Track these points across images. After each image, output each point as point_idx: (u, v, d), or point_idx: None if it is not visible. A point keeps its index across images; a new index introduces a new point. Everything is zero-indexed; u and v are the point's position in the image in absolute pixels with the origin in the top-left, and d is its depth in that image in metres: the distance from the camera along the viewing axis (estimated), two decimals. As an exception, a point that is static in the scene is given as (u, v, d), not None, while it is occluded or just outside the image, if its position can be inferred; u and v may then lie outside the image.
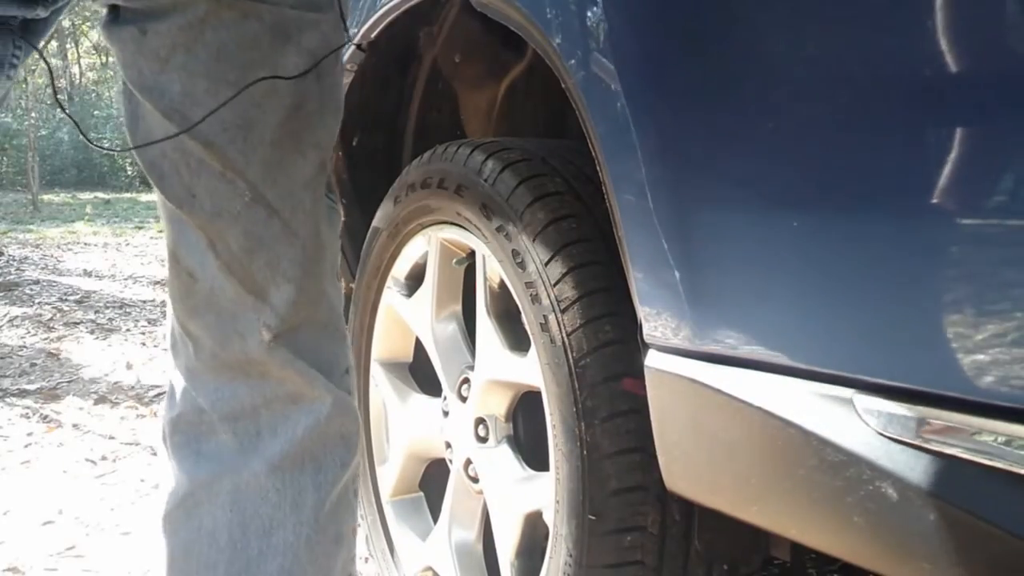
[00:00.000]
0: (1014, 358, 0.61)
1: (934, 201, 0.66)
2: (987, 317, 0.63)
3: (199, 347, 0.85)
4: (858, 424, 0.71)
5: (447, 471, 1.33)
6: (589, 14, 0.93)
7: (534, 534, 1.17)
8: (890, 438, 0.69)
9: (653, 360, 0.90)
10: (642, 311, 0.91)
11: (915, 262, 0.68)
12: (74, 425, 2.58)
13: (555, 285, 1.02)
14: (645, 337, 0.91)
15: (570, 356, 1.01)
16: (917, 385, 0.68)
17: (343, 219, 0.92)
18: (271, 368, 0.83)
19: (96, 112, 14.62)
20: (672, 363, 0.88)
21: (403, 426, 1.44)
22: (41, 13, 0.78)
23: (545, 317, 1.03)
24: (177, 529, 0.85)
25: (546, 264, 1.03)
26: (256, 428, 0.84)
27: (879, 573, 0.76)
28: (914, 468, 0.68)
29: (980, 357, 0.63)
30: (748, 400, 0.79)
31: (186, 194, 0.80)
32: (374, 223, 1.41)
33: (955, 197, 0.65)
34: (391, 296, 1.44)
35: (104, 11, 0.80)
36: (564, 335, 1.01)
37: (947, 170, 0.65)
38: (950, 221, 0.65)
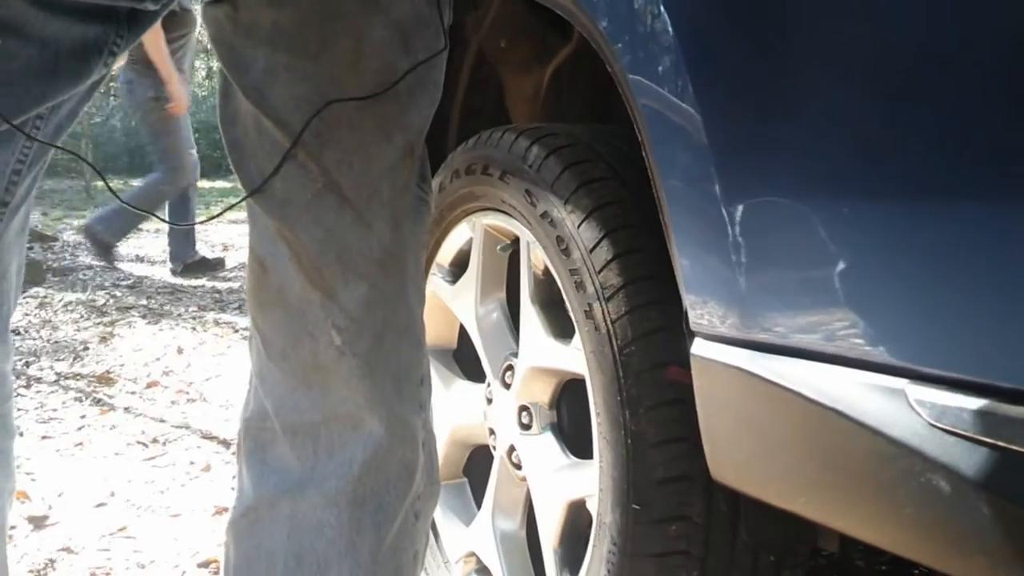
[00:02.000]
0: (1076, 348, 0.59)
1: (989, 190, 0.64)
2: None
3: (268, 344, 0.81)
4: (910, 415, 0.69)
5: (491, 458, 1.33)
6: (636, -3, 0.92)
7: (577, 522, 1.16)
8: (943, 429, 0.67)
9: (699, 348, 0.89)
10: (688, 299, 0.90)
11: (969, 250, 0.66)
12: (126, 408, 2.63)
13: (600, 272, 1.01)
14: (691, 325, 0.90)
15: (615, 344, 1.00)
16: (971, 376, 0.66)
17: (431, 213, 0.86)
18: (335, 380, 0.79)
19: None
20: (719, 351, 0.87)
21: (447, 412, 1.44)
22: (150, 6, 0.78)
23: (590, 304, 1.03)
24: (240, 539, 0.83)
25: (591, 251, 1.02)
26: (314, 446, 0.80)
27: (930, 567, 0.74)
28: (968, 460, 0.66)
29: (1040, 347, 0.61)
30: (797, 389, 0.78)
31: (260, 178, 0.77)
32: (418, 209, 1.42)
33: (1010, 187, 0.63)
34: (435, 283, 1.44)
35: None
36: (609, 322, 1.01)
37: (1004, 163, 0.63)
38: (1006, 210, 0.63)
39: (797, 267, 0.80)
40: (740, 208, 0.83)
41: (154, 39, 4.11)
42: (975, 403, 0.66)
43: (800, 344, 0.79)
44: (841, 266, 0.75)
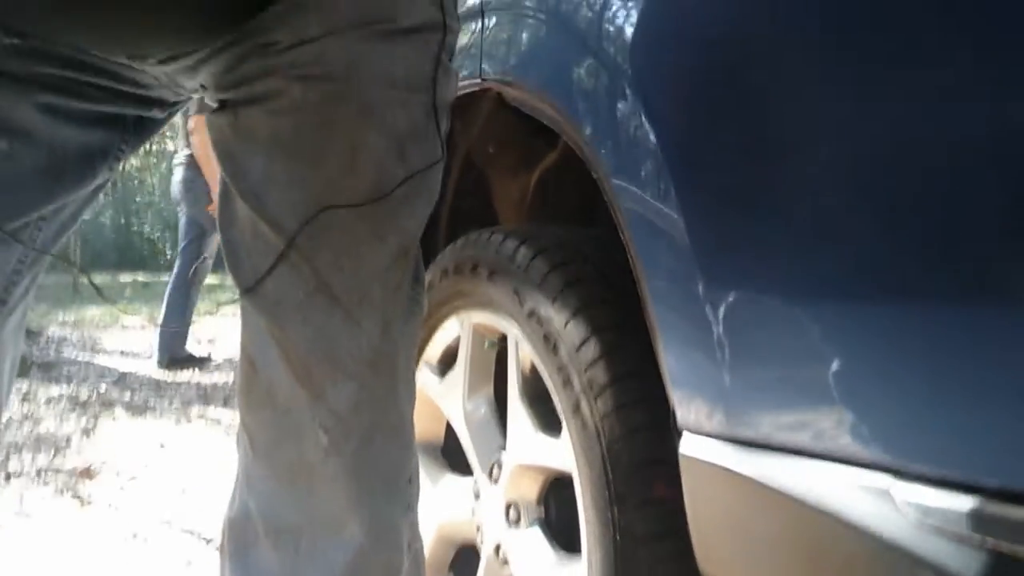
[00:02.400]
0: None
1: (973, 293, 0.66)
2: None
3: (254, 443, 0.81)
4: (897, 514, 0.70)
5: (478, 555, 1.32)
6: (619, 106, 0.96)
7: (566, 621, 1.15)
8: (930, 528, 0.68)
9: (686, 446, 0.90)
10: (675, 396, 0.91)
11: (953, 352, 0.67)
12: (107, 503, 2.59)
13: (587, 370, 1.03)
14: (678, 423, 0.91)
15: (602, 440, 1.01)
16: (958, 475, 0.67)
17: (424, 314, 0.86)
18: (320, 480, 0.78)
19: (138, 199, 14.99)
20: (705, 449, 0.88)
21: (433, 509, 1.43)
22: (157, 114, 0.81)
23: (577, 401, 1.04)
24: None
25: (578, 349, 1.04)
26: (295, 549, 0.79)
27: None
28: (955, 560, 0.66)
29: None
30: (783, 489, 0.79)
31: (254, 278, 0.78)
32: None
33: (994, 292, 0.65)
34: (423, 378, 1.45)
35: (214, 105, 0.80)
36: (596, 419, 1.02)
37: (986, 269, 0.65)
38: (991, 313, 0.66)
39: (782, 365, 0.81)
40: (724, 307, 0.85)
41: (204, 141, 4.21)
42: (961, 502, 0.66)
43: (786, 442, 0.80)
44: (826, 364, 0.76)
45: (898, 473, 0.70)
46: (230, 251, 0.82)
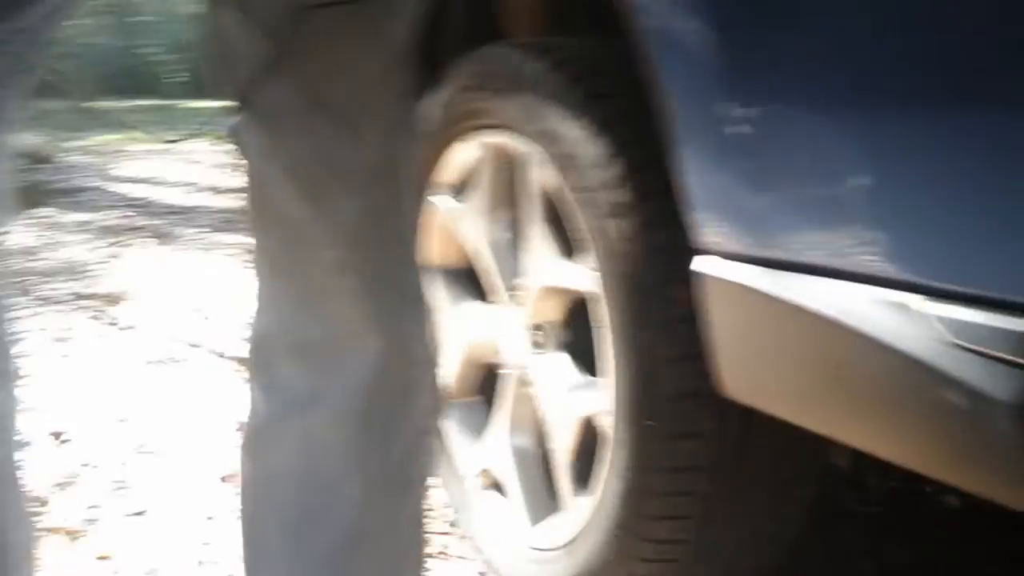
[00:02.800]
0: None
1: (1003, 95, 0.62)
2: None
3: (269, 262, 0.81)
4: (926, 331, 0.69)
5: (503, 376, 1.34)
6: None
7: (589, 439, 1.18)
8: (959, 345, 0.67)
9: (706, 266, 0.88)
10: (695, 215, 0.88)
11: (986, 163, 0.64)
12: (139, 328, 2.66)
13: (609, 189, 1.00)
14: (699, 242, 0.89)
15: (625, 261, 0.99)
16: (985, 291, 0.66)
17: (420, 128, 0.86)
18: (332, 297, 0.79)
19: (139, 17, 14.56)
20: (726, 269, 0.86)
21: (458, 332, 1.44)
22: None
23: (599, 222, 1.01)
24: (254, 459, 0.85)
25: (600, 167, 1.00)
26: (318, 366, 0.80)
27: (942, 482, 0.74)
28: (984, 376, 0.66)
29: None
30: (808, 306, 0.77)
31: (252, 88, 0.75)
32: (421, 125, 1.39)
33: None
34: (443, 202, 1.42)
35: None
36: (618, 240, 1.00)
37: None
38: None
39: (807, 181, 0.78)
40: (747, 123, 0.81)
41: None
42: (992, 319, 0.65)
43: (812, 260, 0.78)
44: (854, 179, 0.74)
45: (923, 289, 0.69)
46: (220, 64, 0.78)
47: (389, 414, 0.81)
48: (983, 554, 1.40)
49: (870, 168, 0.73)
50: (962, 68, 0.65)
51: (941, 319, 0.68)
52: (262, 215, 0.80)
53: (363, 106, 0.76)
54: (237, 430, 1.90)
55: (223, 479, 1.71)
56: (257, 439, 0.85)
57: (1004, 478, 0.67)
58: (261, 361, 0.84)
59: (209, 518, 1.58)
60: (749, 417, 0.99)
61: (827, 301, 0.76)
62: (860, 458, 0.95)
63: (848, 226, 0.75)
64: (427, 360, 0.85)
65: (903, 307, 0.70)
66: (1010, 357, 0.64)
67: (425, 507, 0.87)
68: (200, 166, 5.07)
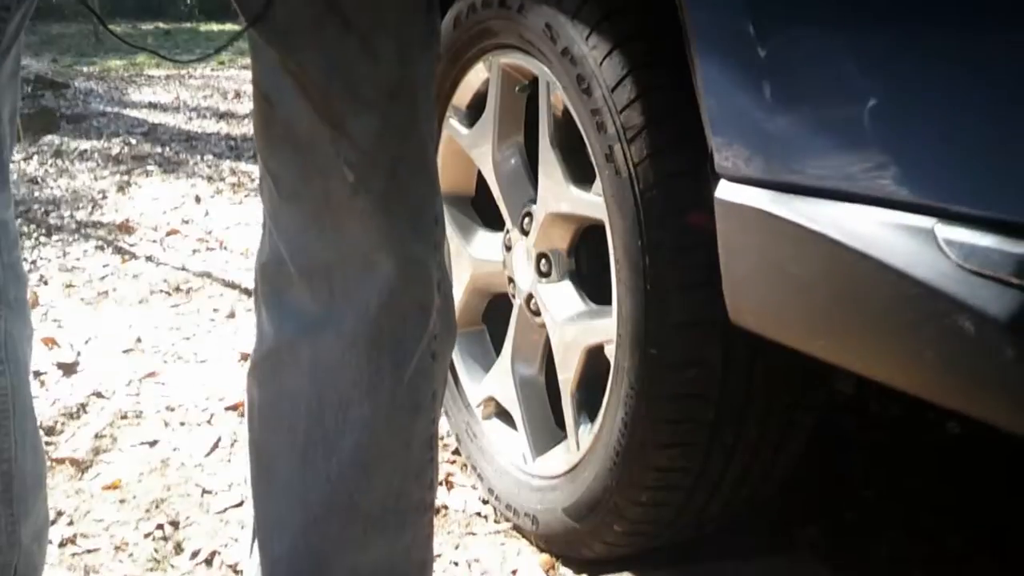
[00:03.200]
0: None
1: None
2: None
3: (279, 185, 0.80)
4: (938, 255, 0.67)
5: (510, 305, 1.34)
6: None
7: (595, 367, 1.17)
8: (972, 271, 0.65)
9: (724, 191, 0.87)
10: (714, 140, 0.86)
11: (1003, 80, 0.62)
12: (148, 257, 2.66)
13: (622, 112, 0.98)
14: (716, 167, 0.87)
15: (636, 187, 0.98)
16: (1003, 215, 0.64)
17: (439, 47, 0.82)
18: (349, 218, 0.77)
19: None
20: (744, 194, 0.84)
21: (465, 260, 1.44)
22: None
23: (611, 147, 1.00)
24: (264, 382, 0.85)
25: (613, 90, 0.98)
26: (329, 288, 0.79)
27: (948, 409, 0.74)
28: (996, 302, 0.64)
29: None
30: (822, 231, 0.76)
31: (259, 6, 0.73)
32: (433, 49, 1.36)
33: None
34: (451, 126, 1.40)
35: None
36: (630, 165, 0.98)
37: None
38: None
39: (826, 105, 0.76)
40: (769, 44, 0.79)
41: None
42: (1006, 243, 0.64)
43: (827, 185, 0.76)
44: (870, 103, 0.72)
45: (942, 213, 0.68)
46: None
47: (400, 336, 0.81)
48: (985, 482, 1.41)
49: (886, 91, 0.71)
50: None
51: (951, 242, 0.67)
52: (273, 136, 0.79)
53: (377, 22, 0.74)
54: (240, 360, 1.91)
55: (230, 408, 1.72)
56: (266, 364, 0.85)
57: (1010, 404, 0.66)
58: (271, 287, 0.84)
59: (217, 447, 1.60)
60: (754, 345, 0.98)
61: (840, 225, 0.75)
62: (862, 384, 0.95)
63: (866, 149, 0.74)
64: (440, 283, 0.84)
65: (914, 230, 0.69)
66: (1010, 279, 0.62)
67: (435, 431, 0.87)
68: (210, 91, 5.01)
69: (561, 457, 1.24)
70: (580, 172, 1.14)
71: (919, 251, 0.69)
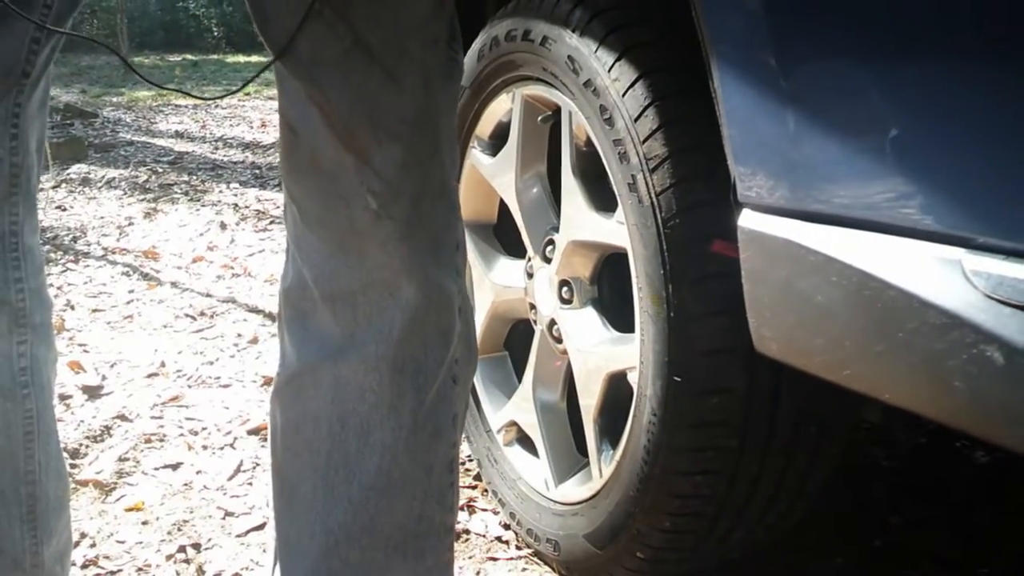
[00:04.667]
0: None
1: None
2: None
3: (303, 211, 0.81)
4: (965, 285, 0.67)
5: (532, 331, 1.34)
6: None
7: (618, 394, 1.17)
8: (999, 300, 0.65)
9: (747, 220, 0.87)
10: (737, 169, 0.87)
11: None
12: (172, 283, 2.68)
13: (644, 142, 0.99)
14: (739, 196, 0.88)
15: (658, 216, 0.98)
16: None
17: (462, 74, 0.84)
18: (372, 245, 0.79)
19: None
20: (767, 223, 0.84)
21: (487, 287, 1.44)
22: None
23: (633, 176, 1.00)
24: (286, 405, 0.86)
25: (635, 120, 0.99)
26: (352, 312, 0.80)
27: (975, 437, 0.73)
28: (1020, 330, 0.64)
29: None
30: (847, 261, 0.76)
31: (285, 38, 0.75)
32: (457, 80, 1.38)
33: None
34: (475, 156, 1.42)
35: None
36: (653, 194, 0.98)
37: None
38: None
39: (851, 134, 0.77)
40: (793, 74, 0.79)
41: None
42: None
43: (853, 214, 0.77)
44: (896, 132, 0.72)
45: (969, 244, 0.68)
46: (259, 15, 0.78)
47: (421, 360, 0.82)
48: (1011, 510, 1.39)
49: (911, 121, 0.71)
50: (1011, 17, 0.63)
51: (978, 273, 0.67)
52: (297, 164, 0.80)
53: (402, 53, 0.75)
54: (263, 385, 1.92)
55: (252, 431, 1.73)
56: (288, 388, 0.86)
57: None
58: (294, 311, 0.85)
59: (239, 470, 1.60)
60: (779, 373, 0.98)
61: (865, 255, 0.75)
62: (889, 413, 0.95)
63: (892, 179, 0.74)
64: (462, 309, 0.85)
65: (941, 260, 0.69)
66: (1052, 311, 0.62)
67: (455, 455, 0.88)
68: (237, 121, 5.07)
69: (583, 483, 1.24)
70: (602, 200, 1.15)
71: (946, 281, 0.69)
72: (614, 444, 1.16)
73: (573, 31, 1.07)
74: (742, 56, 0.85)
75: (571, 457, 1.31)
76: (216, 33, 13.71)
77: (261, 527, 1.41)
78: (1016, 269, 0.65)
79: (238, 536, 1.40)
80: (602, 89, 1.03)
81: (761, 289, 0.88)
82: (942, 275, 0.69)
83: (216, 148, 4.96)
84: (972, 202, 0.68)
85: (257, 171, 4.32)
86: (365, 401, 0.82)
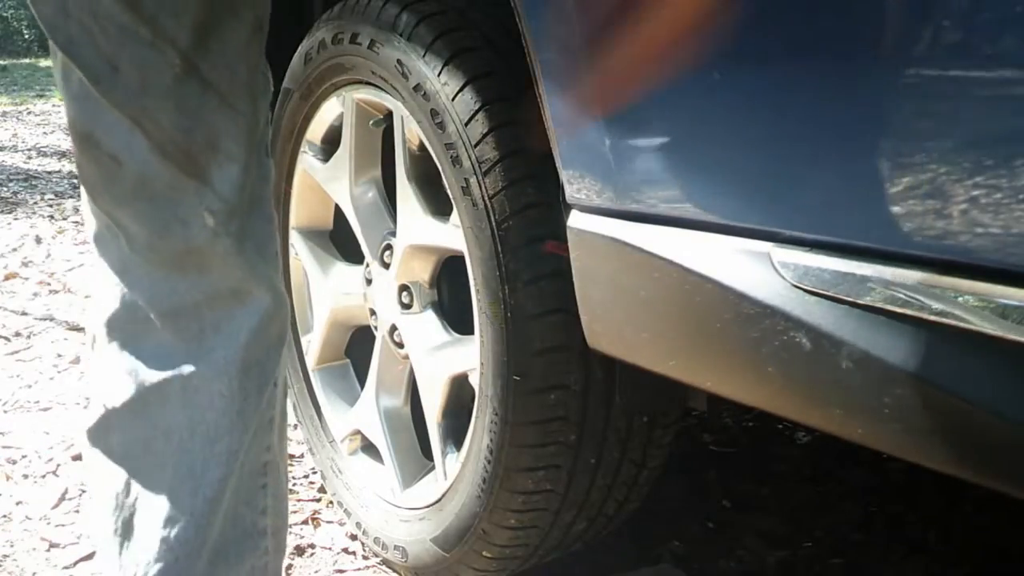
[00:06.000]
0: (927, 208, 0.62)
1: (859, 46, 0.65)
2: (905, 166, 0.63)
3: (131, 238, 0.79)
4: (774, 276, 0.72)
5: (372, 338, 1.33)
6: None
7: (460, 396, 1.18)
8: (805, 290, 0.70)
9: (575, 221, 0.90)
10: (564, 172, 0.90)
11: (831, 112, 0.67)
12: (-17, 302, 2.50)
13: (476, 146, 1.00)
14: (567, 198, 0.90)
15: (492, 219, 1.00)
16: (832, 237, 0.69)
17: (272, 89, 0.86)
18: (212, 260, 0.79)
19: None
20: (594, 223, 0.88)
21: (326, 295, 1.42)
22: None
23: (466, 180, 1.01)
24: (127, 428, 0.83)
25: (466, 124, 1.00)
26: (199, 326, 0.81)
27: (792, 420, 0.79)
28: (827, 318, 0.69)
29: (895, 208, 0.64)
30: (667, 257, 0.80)
31: (105, 68, 0.72)
32: (284, 83, 1.35)
33: (874, 43, 0.64)
34: (307, 161, 1.39)
35: None
36: (486, 198, 1.00)
37: (874, 18, 0.64)
38: (875, 67, 0.65)
39: (667, 137, 0.80)
40: (614, 80, 0.82)
41: None
42: (834, 263, 0.68)
43: (671, 213, 0.80)
44: (709, 135, 0.77)
45: (776, 238, 0.72)
46: (58, 35, 0.74)
47: (265, 361, 0.84)
48: (835, 487, 1.49)
49: (720, 124, 0.75)
50: (802, 20, 0.68)
51: (785, 264, 0.71)
52: (122, 193, 0.78)
53: (232, 76, 0.76)
54: (86, 407, 1.82)
55: (76, 457, 1.64)
56: (127, 410, 0.83)
57: (845, 413, 0.71)
58: (123, 340, 0.83)
59: (64, 498, 1.51)
60: (612, 367, 1.02)
61: (684, 251, 0.79)
62: (715, 400, 1.00)
63: (706, 178, 0.78)
64: (287, 307, 0.88)
65: (751, 254, 0.73)
66: (850, 299, 0.67)
67: (270, 459, 0.88)
68: (51, 128, 4.77)
69: (429, 487, 1.24)
70: (438, 204, 1.16)
71: (757, 273, 0.73)
72: (458, 446, 1.17)
73: (400, 35, 1.07)
74: (564, 62, 0.87)
75: (417, 462, 1.31)
76: (27, 36, 12.84)
77: (90, 556, 1.34)
78: (819, 260, 0.70)
79: (65, 568, 1.32)
80: (432, 93, 1.03)
81: (591, 287, 0.91)
82: (753, 267, 0.73)
83: (30, 157, 4.65)
84: (778, 198, 0.73)
85: (75, 181, 4.08)
86: (214, 407, 0.82)
